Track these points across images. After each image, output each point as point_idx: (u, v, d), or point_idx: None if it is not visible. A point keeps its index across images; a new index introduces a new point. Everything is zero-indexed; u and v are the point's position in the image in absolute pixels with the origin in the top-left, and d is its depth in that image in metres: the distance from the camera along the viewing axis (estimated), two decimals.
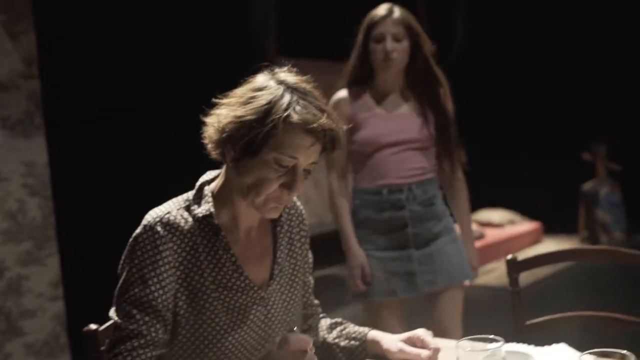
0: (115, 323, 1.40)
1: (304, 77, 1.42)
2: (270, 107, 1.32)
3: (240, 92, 1.39)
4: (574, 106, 7.25)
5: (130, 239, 1.42)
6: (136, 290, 1.37)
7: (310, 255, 1.67)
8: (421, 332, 1.56)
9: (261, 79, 1.40)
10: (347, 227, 2.65)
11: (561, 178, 7.08)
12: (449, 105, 2.68)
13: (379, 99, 2.66)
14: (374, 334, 1.61)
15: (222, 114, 1.37)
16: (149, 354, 1.37)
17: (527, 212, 7.50)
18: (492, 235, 6.83)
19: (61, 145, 3.99)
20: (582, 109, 7.17)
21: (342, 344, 1.63)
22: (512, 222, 7.36)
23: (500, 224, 7.24)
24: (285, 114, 1.32)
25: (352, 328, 1.65)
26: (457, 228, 2.76)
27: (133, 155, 4.42)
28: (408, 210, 2.59)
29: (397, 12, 2.61)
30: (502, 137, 7.33)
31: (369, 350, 1.60)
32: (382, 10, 2.62)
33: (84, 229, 4.22)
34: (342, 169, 2.71)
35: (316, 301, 1.72)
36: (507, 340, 1.46)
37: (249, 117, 1.33)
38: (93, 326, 1.55)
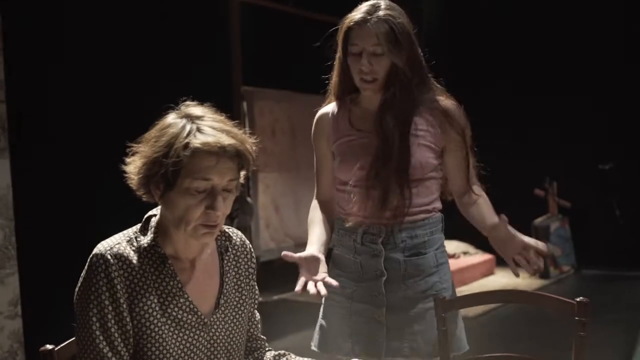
0: (84, 355, 1.47)
1: (208, 107, 1.55)
2: (173, 141, 1.45)
3: (149, 135, 1.52)
4: (527, 145, 7.51)
5: (84, 272, 1.50)
6: (100, 320, 1.46)
7: (257, 291, 1.76)
8: None
9: (168, 117, 1.52)
10: (312, 236, 2.16)
11: (514, 213, 7.28)
12: (453, 132, 2.13)
13: (363, 118, 2.15)
14: None
15: (136, 159, 1.51)
16: None
17: (481, 244, 7.69)
18: None
19: (24, 168, 4.07)
20: (536, 148, 7.44)
21: None
22: (466, 253, 7.56)
23: (455, 254, 7.42)
24: (186, 141, 1.44)
25: (294, 359, 1.74)
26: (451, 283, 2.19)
27: (95, 179, 4.50)
28: (384, 259, 2.10)
29: (378, 15, 2.02)
30: None
31: None
32: (359, 13, 2.05)
33: (44, 249, 4.28)
34: (325, 192, 2.26)
35: (262, 337, 1.81)
36: None
37: (155, 155, 1.46)
38: (49, 346, 1.63)
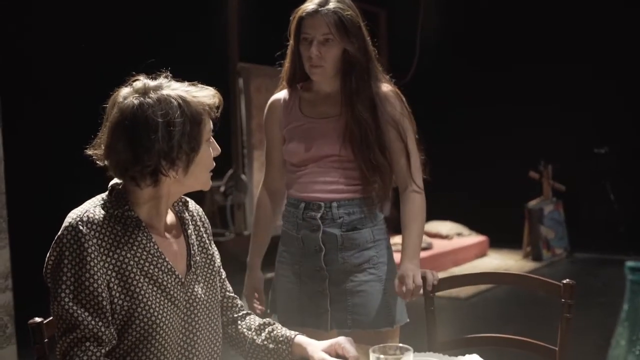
0: (61, 326, 1.47)
1: (163, 77, 1.59)
2: (174, 119, 1.51)
3: (136, 134, 1.51)
4: (523, 128, 7.50)
5: (54, 243, 1.51)
6: (74, 291, 1.46)
7: (217, 252, 1.80)
8: (342, 340, 1.65)
9: (136, 112, 1.52)
10: (255, 243, 2.46)
11: (509, 195, 7.31)
12: (391, 121, 2.23)
13: (312, 104, 2.32)
14: (300, 339, 1.72)
15: (139, 154, 1.51)
16: (102, 351, 1.47)
17: (474, 225, 7.72)
18: (439, 246, 7.04)
19: (16, 141, 4.05)
20: (531, 130, 7.43)
21: (271, 346, 1.74)
22: (459, 235, 7.57)
23: (448, 235, 7.44)
24: (183, 115, 1.52)
25: (280, 331, 1.76)
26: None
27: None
28: (322, 233, 2.25)
29: (329, 6, 2.18)
30: (456, 152, 7.53)
31: (295, 353, 1.71)
32: (311, 4, 2.21)
33: (35, 222, 4.28)
34: (273, 179, 2.44)
35: (234, 295, 1.83)
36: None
37: (166, 144, 1.50)
38: (38, 319, 1.65)
